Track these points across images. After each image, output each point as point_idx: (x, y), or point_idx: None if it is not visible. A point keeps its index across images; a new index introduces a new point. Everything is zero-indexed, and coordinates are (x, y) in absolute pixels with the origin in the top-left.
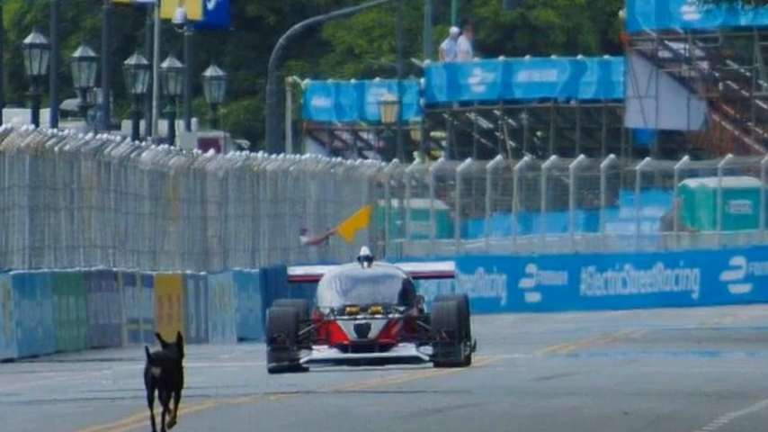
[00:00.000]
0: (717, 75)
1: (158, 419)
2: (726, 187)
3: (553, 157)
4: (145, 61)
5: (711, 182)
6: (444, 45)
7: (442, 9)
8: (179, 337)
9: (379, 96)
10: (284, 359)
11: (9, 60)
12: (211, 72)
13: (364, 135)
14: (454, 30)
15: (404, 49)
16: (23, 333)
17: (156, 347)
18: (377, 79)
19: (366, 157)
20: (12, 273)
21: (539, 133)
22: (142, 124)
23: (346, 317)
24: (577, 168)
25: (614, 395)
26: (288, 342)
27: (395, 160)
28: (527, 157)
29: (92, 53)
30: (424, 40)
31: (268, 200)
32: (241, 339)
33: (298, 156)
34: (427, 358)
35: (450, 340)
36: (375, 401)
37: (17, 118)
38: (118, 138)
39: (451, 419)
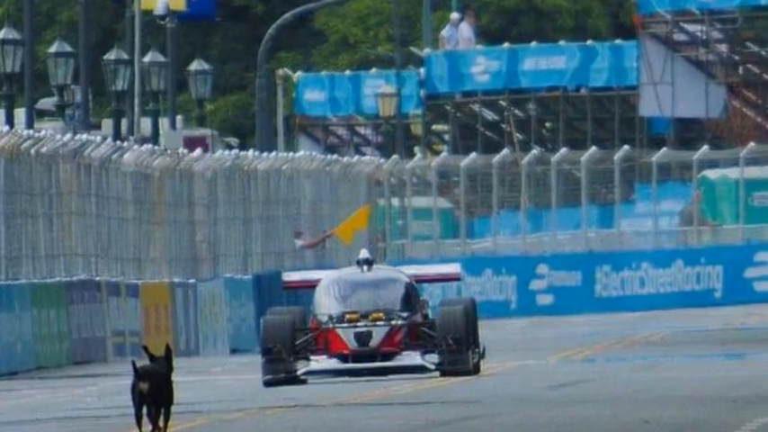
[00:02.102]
0: (736, 58)
1: None
2: (748, 178)
3: (563, 150)
4: (125, 56)
5: (733, 172)
6: (445, 32)
7: None
8: (167, 349)
9: (377, 88)
10: (280, 371)
11: None
12: (197, 66)
13: (361, 130)
14: (455, 16)
15: (402, 37)
16: (1, 349)
17: (143, 361)
18: (373, 70)
19: (364, 154)
20: None
21: (547, 124)
22: (124, 123)
23: (346, 324)
24: (589, 161)
25: (633, 403)
26: (284, 353)
27: (394, 156)
28: (535, 151)
29: (69, 48)
30: (423, 28)
31: (260, 201)
32: (234, 351)
33: (291, 154)
34: (433, 367)
35: (457, 347)
36: (378, 414)
37: None
38: (98, 138)
39: None
